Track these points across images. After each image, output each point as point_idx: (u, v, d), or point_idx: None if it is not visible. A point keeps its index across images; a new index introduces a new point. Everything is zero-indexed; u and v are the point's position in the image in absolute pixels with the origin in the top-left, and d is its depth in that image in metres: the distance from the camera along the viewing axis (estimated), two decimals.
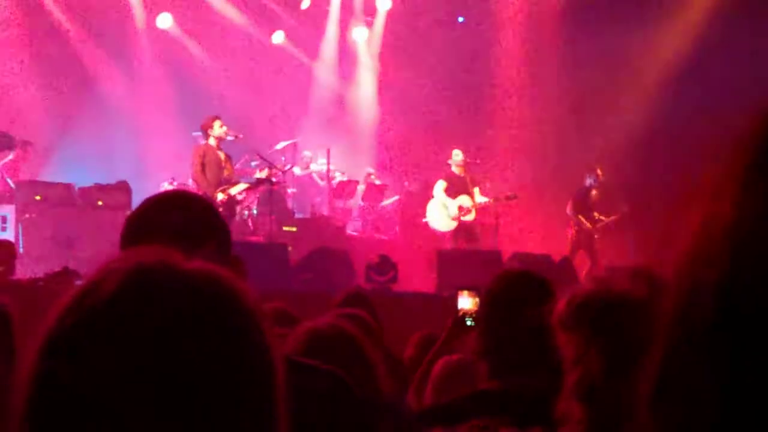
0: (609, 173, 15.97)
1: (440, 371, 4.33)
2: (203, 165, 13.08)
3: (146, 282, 1.21)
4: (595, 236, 15.45)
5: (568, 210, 15.70)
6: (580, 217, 15.48)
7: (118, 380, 1.15)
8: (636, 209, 16.04)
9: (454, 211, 14.76)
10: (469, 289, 4.91)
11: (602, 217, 15.56)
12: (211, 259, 1.30)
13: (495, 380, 3.32)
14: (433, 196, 15.02)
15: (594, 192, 15.69)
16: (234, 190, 13.09)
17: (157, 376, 1.16)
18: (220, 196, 12.93)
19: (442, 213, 14.90)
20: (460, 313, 4.91)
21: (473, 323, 4.78)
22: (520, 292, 3.37)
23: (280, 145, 16.58)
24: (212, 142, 13.29)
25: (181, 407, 1.17)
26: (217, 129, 13.30)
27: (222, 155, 13.32)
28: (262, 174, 14.00)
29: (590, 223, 15.43)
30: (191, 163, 13.25)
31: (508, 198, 15.14)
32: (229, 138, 14.96)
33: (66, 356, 1.18)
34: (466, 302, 4.89)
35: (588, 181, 15.76)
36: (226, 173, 13.26)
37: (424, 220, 15.24)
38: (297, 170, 17.18)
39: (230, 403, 1.20)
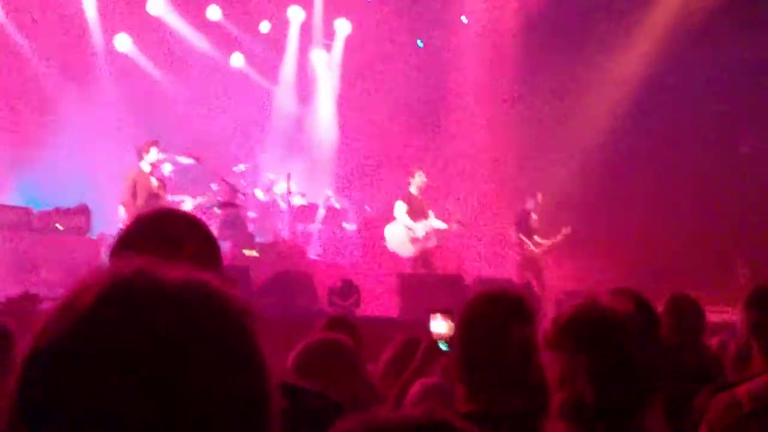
0: (548, 198, 16.12)
1: (417, 394, 4.31)
2: (134, 190, 12.89)
3: (124, 293, 1.18)
4: (540, 260, 15.54)
5: (512, 233, 15.81)
6: (523, 238, 15.58)
7: (98, 396, 1.12)
8: (584, 233, 16.25)
9: (422, 233, 14.62)
10: (442, 312, 4.86)
11: (543, 241, 15.66)
12: (197, 266, 1.26)
13: (473, 403, 3.33)
14: (394, 218, 14.87)
15: (534, 216, 15.81)
16: None
17: (139, 391, 1.12)
18: None
19: (403, 237, 14.74)
20: (434, 337, 4.87)
21: (447, 347, 4.75)
22: (498, 313, 3.37)
23: (240, 167, 16.65)
24: (146, 167, 13.07)
25: (166, 424, 1.13)
26: (153, 155, 13.12)
27: (155, 182, 13.14)
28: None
29: (533, 246, 15.52)
30: (122, 187, 13.06)
31: (461, 225, 15.10)
32: (187, 161, 14.94)
33: (45, 372, 1.15)
34: (440, 326, 4.84)
35: (528, 205, 15.90)
36: (159, 201, 13.03)
37: (385, 243, 15.08)
38: (259, 193, 17.13)
39: (221, 417, 1.16)
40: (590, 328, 2.56)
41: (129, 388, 1.12)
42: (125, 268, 1.21)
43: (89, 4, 17.53)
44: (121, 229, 2.66)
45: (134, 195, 12.84)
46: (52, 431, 1.14)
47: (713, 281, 14.07)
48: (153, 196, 12.94)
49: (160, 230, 2.46)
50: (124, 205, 12.98)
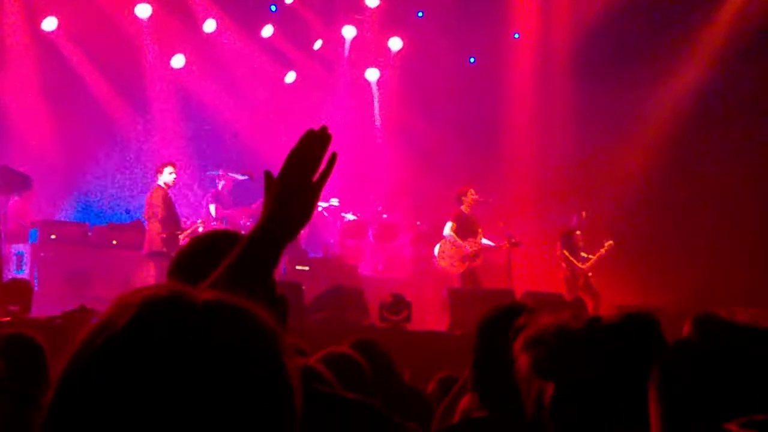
0: (598, 214, 16.10)
1: (467, 408, 4.35)
2: (163, 207, 13.32)
3: (156, 315, 1.23)
4: (589, 274, 15.46)
5: (557, 251, 15.71)
6: (567, 255, 15.48)
7: (132, 413, 1.17)
8: (636, 249, 16.23)
9: (469, 250, 14.68)
10: None
11: (590, 255, 15.57)
12: (230, 290, 1.31)
13: (484, 409, 3.41)
14: (443, 237, 14.93)
15: (578, 232, 15.73)
16: (182, 236, 13.29)
17: (171, 407, 1.18)
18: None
19: (452, 255, 14.81)
20: None
21: None
22: (507, 325, 3.44)
23: None
24: (163, 186, 13.60)
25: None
26: (167, 175, 13.62)
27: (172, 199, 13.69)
28: None
29: (581, 263, 15.44)
30: (151, 203, 13.49)
31: (513, 245, 15.08)
32: (241, 177, 15.21)
33: (81, 389, 1.20)
34: None
35: (573, 222, 15.83)
36: (176, 218, 13.68)
37: (435, 261, 15.12)
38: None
39: (239, 425, 1.21)
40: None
41: (157, 407, 1.18)
42: (159, 291, 1.27)
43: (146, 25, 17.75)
44: (179, 249, 2.75)
45: (164, 211, 13.31)
46: None
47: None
48: (175, 216, 13.36)
49: (216, 251, 2.53)
50: (157, 220, 13.36)
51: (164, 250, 13.18)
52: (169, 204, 13.49)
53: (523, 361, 2.33)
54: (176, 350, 1.20)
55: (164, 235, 13.25)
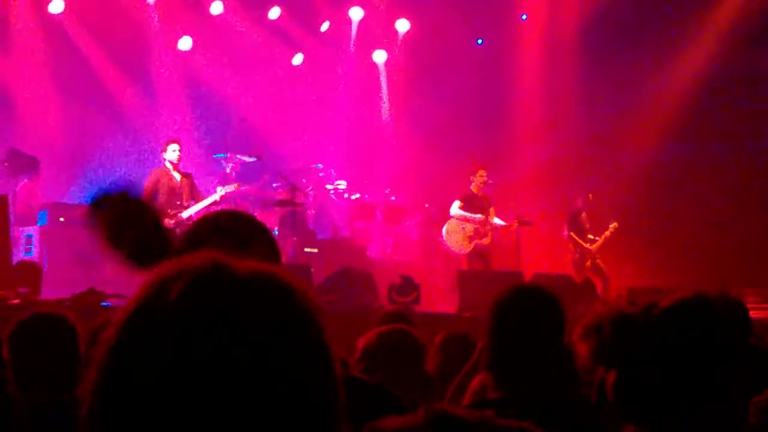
0: (607, 197, 16.11)
1: (477, 391, 4.34)
2: (155, 191, 13.13)
3: (211, 285, 1.23)
4: (596, 257, 15.46)
5: (565, 233, 15.72)
6: (576, 238, 15.49)
7: (186, 381, 1.18)
8: (644, 232, 16.21)
9: (478, 220, 14.67)
10: None
11: (596, 237, 15.58)
12: (265, 261, 1.31)
13: (501, 390, 3.40)
14: (450, 217, 14.92)
15: (584, 214, 15.73)
16: (185, 214, 13.09)
17: (224, 376, 1.18)
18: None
19: (458, 234, 14.80)
20: None
21: None
22: (528, 306, 3.44)
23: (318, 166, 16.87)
24: (168, 165, 13.40)
25: (247, 404, 1.19)
26: (170, 153, 13.39)
27: (178, 177, 13.38)
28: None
29: (588, 245, 15.44)
30: (143, 186, 13.32)
31: (523, 224, 15.09)
32: (249, 159, 15.16)
33: (135, 357, 1.20)
34: None
35: (579, 204, 15.82)
36: (181, 199, 13.31)
37: (442, 241, 15.11)
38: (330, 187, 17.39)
39: (291, 399, 1.22)
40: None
41: (210, 372, 1.18)
42: (207, 263, 1.27)
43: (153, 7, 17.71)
44: (187, 228, 2.75)
45: (155, 196, 13.06)
46: (141, 414, 1.19)
47: None
48: (174, 194, 13.18)
49: (225, 230, 2.52)
50: None
51: None
52: (163, 186, 13.23)
53: (582, 350, 2.33)
54: (229, 323, 1.20)
55: None
